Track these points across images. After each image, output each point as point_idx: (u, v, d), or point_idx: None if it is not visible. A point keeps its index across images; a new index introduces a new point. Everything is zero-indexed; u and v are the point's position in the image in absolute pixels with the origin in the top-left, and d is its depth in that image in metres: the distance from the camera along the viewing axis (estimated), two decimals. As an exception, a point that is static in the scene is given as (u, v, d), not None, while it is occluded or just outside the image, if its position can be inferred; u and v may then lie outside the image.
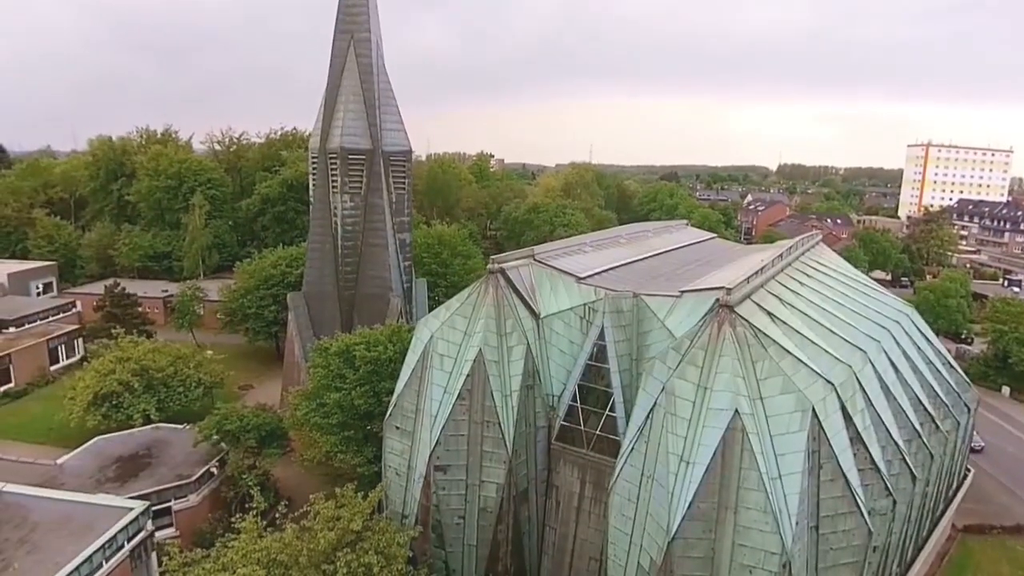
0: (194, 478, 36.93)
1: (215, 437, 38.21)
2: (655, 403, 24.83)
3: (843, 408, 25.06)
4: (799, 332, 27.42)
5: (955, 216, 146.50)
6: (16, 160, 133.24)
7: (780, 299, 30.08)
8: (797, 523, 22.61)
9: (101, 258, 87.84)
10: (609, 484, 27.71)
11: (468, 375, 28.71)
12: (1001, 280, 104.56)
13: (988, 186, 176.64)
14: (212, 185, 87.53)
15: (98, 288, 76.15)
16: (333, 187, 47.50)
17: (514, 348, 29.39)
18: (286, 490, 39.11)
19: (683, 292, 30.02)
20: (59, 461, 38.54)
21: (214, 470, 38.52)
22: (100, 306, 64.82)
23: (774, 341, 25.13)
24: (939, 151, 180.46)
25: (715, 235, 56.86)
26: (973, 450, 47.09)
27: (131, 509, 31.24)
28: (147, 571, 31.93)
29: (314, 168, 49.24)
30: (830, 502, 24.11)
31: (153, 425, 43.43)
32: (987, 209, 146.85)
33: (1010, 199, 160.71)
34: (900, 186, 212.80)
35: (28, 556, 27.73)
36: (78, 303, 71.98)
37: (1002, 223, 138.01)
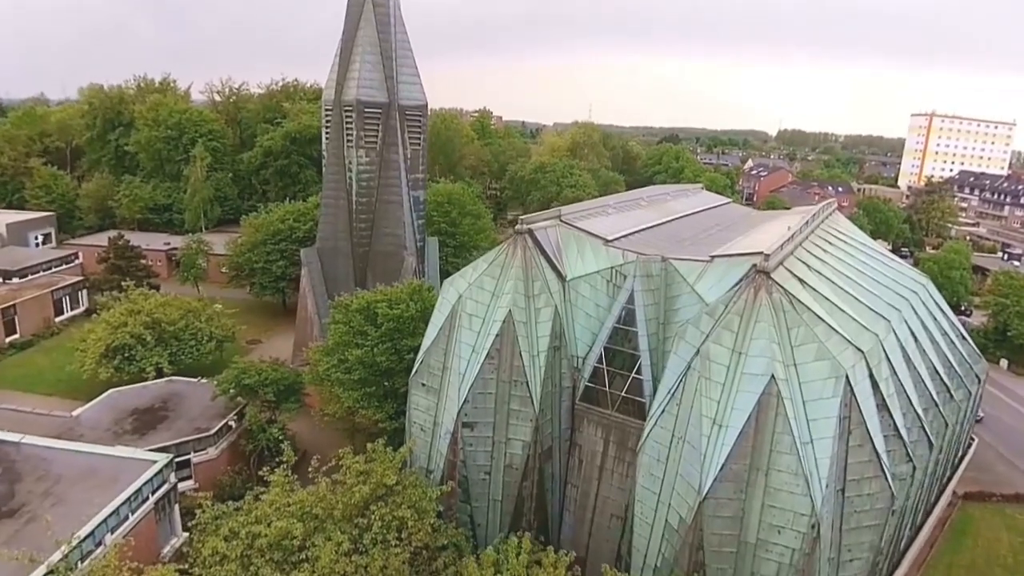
0: (213, 431, 37.11)
1: (233, 391, 38.21)
2: (688, 366, 24.99)
3: (871, 375, 25.33)
4: (828, 299, 27.54)
5: (956, 188, 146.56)
6: (9, 108, 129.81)
7: (808, 266, 30.15)
8: (827, 486, 23.07)
9: (100, 209, 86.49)
10: (636, 445, 28.19)
11: (497, 335, 28.71)
12: (1001, 253, 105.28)
13: (989, 159, 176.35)
14: (213, 137, 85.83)
15: (99, 240, 75.41)
16: (348, 141, 46.66)
17: (542, 310, 29.37)
18: (302, 444, 39.53)
19: (713, 257, 29.93)
20: (75, 413, 38.57)
21: (232, 423, 38.70)
22: (104, 258, 64.06)
23: (807, 308, 25.23)
24: (943, 121, 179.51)
25: (730, 200, 56.62)
26: (975, 420, 48.01)
27: (155, 461, 31.50)
28: (170, 523, 32.38)
29: (327, 121, 48.28)
30: (857, 466, 24.51)
31: (167, 378, 43.44)
32: (988, 182, 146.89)
33: (1010, 173, 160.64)
34: (899, 155, 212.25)
35: (53, 508, 27.90)
36: (80, 254, 71.04)
37: (1003, 196, 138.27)
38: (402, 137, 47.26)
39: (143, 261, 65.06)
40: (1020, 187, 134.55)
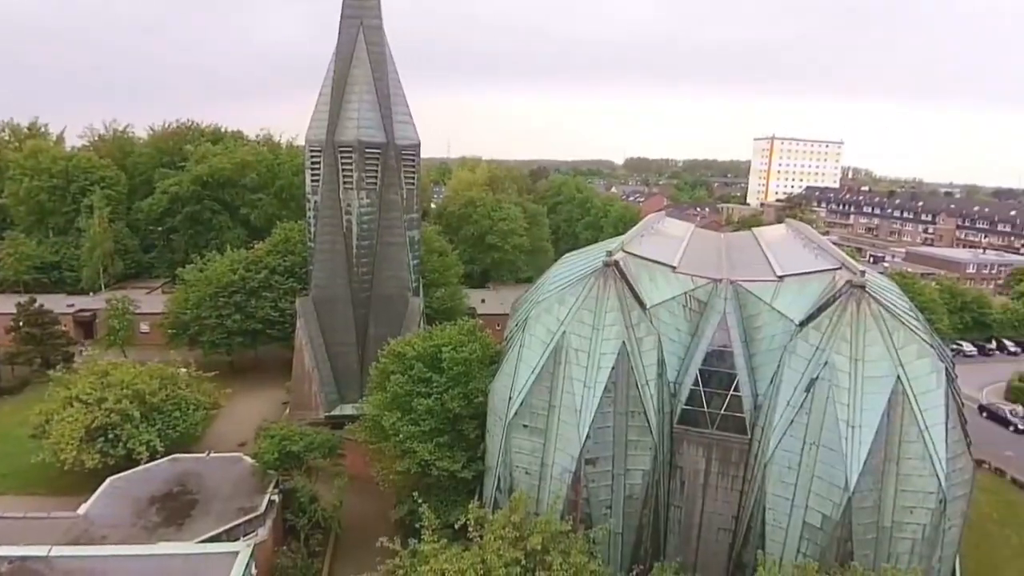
0: (262, 509, 33.53)
1: (276, 461, 34.86)
2: (817, 376, 27.22)
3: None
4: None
5: (805, 202, 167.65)
6: None
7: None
8: (948, 464, 26.22)
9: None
10: (739, 459, 30.02)
11: (612, 368, 29.24)
12: (867, 256, 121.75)
13: (824, 174, 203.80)
14: (107, 184, 76.87)
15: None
16: (347, 183, 44.73)
17: (644, 339, 30.42)
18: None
19: (783, 277, 32.76)
20: (80, 511, 33.06)
21: (274, 498, 35.16)
22: (14, 327, 54.96)
23: (895, 315, 28.61)
24: (782, 143, 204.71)
25: (693, 226, 60.87)
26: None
27: (235, 553, 27.97)
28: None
29: (314, 163, 45.81)
30: (954, 445, 27.87)
31: (170, 457, 38.49)
32: (832, 195, 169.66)
33: (843, 185, 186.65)
34: (737, 176, 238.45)
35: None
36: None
37: (847, 207, 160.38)
38: (399, 177, 46.10)
39: (60, 327, 56.63)
40: (860, 198, 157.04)
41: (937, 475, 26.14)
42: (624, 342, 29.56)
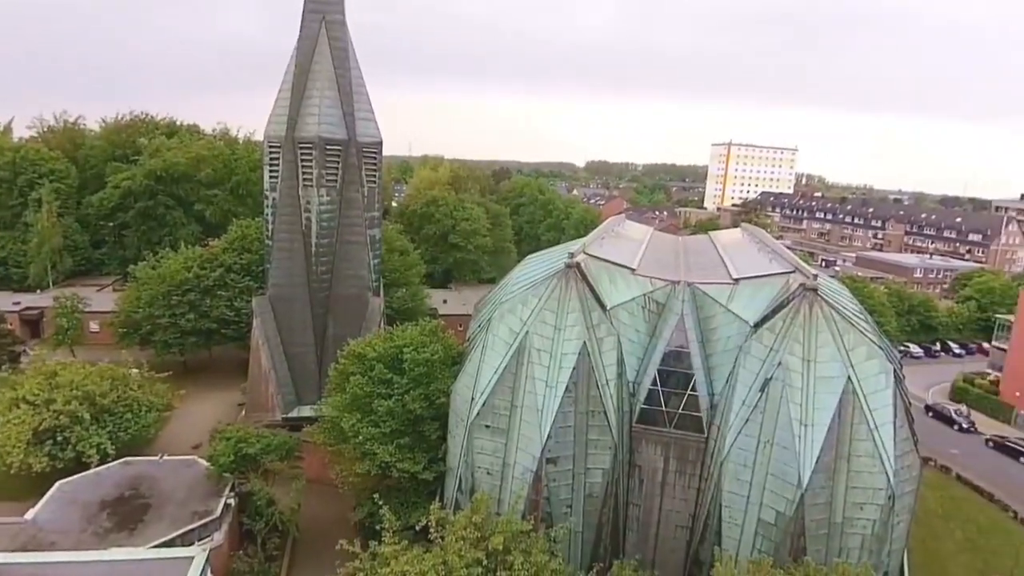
0: (218, 513, 32.77)
1: (232, 464, 34.13)
2: (771, 377, 27.92)
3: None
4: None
5: (760, 207, 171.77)
6: None
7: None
8: (896, 461, 27.20)
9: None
10: (696, 457, 30.66)
11: (574, 368, 29.50)
12: (819, 261, 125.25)
13: (779, 180, 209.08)
14: (57, 178, 74.10)
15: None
16: (306, 180, 44.07)
17: (604, 339, 30.79)
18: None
19: (738, 280, 33.51)
20: (28, 516, 31.83)
21: (230, 501, 34.40)
22: (-46, 327, 52.59)
23: (845, 317, 29.55)
24: (739, 149, 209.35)
25: (652, 229, 61.70)
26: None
27: (190, 558, 27.18)
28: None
29: (273, 159, 45.00)
30: (902, 443, 28.94)
31: (122, 460, 37.31)
32: (786, 200, 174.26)
33: (797, 191, 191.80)
34: (695, 180, 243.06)
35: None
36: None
37: (800, 212, 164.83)
38: (360, 175, 45.62)
39: (6, 326, 54.39)
40: (813, 203, 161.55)
41: (886, 472, 27.09)
42: (585, 342, 29.87)
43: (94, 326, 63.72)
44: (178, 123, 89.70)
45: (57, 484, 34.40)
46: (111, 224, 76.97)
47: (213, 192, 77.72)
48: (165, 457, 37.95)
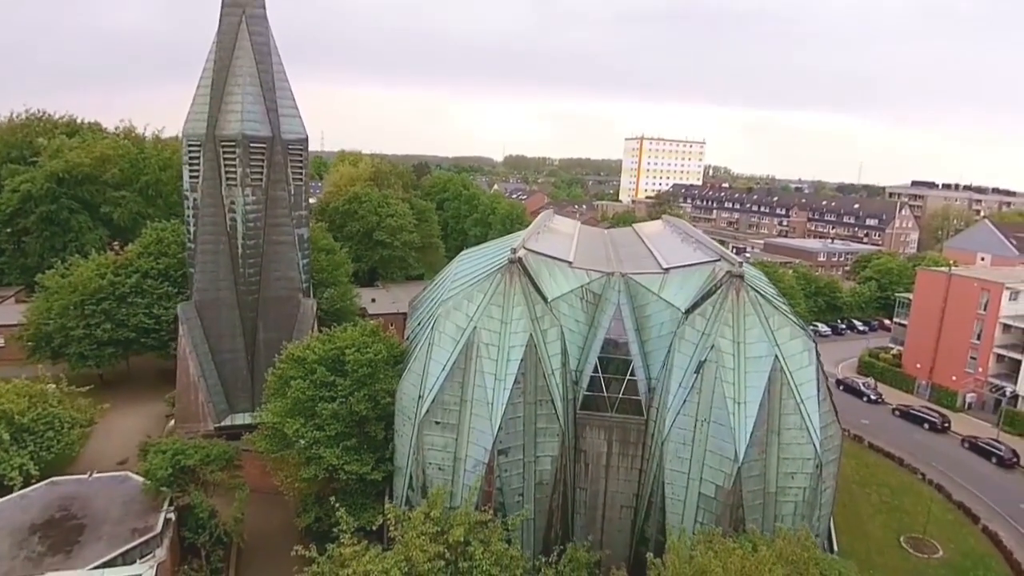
0: (159, 529, 31.43)
1: (169, 476, 32.78)
2: (705, 359, 29.61)
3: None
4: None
5: (672, 198, 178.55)
6: None
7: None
8: (821, 432, 29.50)
9: None
10: (637, 439, 32.17)
11: (521, 360, 30.22)
12: (730, 248, 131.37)
13: (688, 172, 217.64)
14: (-57, 182, 67.78)
15: None
16: (230, 179, 42.49)
17: (548, 331, 31.69)
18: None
19: (668, 269, 35.20)
20: (-55, 546, 29.45)
21: (170, 516, 33.03)
22: None
23: (769, 300, 31.72)
24: (651, 143, 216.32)
25: (579, 223, 63.16)
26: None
27: None
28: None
29: (193, 158, 43.11)
30: (825, 415, 31.30)
31: (48, 480, 35.02)
32: (696, 191, 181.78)
33: (705, 183, 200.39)
34: (609, 174, 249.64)
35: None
36: None
37: (710, 203, 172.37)
38: (286, 172, 44.47)
39: None
40: (722, 194, 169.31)
41: (813, 443, 29.32)
42: (531, 335, 30.62)
43: (-1, 341, 59.13)
44: (79, 121, 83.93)
45: (-27, 512, 31.99)
46: (9, 231, 71.17)
47: (121, 194, 73.24)
48: (94, 475, 35.93)
